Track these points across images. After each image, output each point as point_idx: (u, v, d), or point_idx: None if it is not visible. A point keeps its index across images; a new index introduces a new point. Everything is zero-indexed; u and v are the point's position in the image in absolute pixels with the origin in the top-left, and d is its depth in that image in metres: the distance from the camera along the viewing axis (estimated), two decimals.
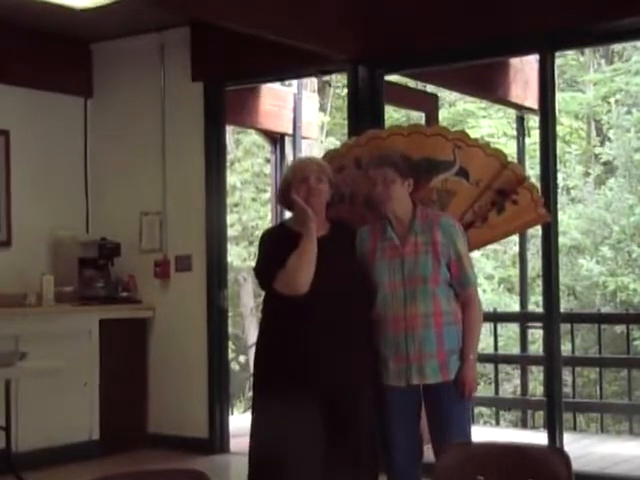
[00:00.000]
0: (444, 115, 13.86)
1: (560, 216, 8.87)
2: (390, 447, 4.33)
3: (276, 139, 9.41)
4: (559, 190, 8.07)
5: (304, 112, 9.34)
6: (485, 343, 9.61)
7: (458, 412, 4.33)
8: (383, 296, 4.29)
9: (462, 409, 4.36)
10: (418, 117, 10.16)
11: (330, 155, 4.87)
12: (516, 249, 11.21)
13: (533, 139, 10.61)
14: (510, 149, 11.84)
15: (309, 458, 4.12)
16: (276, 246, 4.25)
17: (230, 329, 8.57)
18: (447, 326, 4.28)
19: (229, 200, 10.13)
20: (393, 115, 13.62)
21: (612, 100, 13.89)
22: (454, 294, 4.34)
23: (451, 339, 4.28)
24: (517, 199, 4.64)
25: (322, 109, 13.96)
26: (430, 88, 9.53)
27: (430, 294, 4.26)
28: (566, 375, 8.52)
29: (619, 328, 11.07)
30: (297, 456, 4.11)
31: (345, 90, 8.53)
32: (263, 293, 4.43)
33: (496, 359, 9.43)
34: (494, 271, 14.36)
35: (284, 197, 4.38)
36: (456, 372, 4.28)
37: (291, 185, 4.30)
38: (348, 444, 4.19)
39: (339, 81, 14.36)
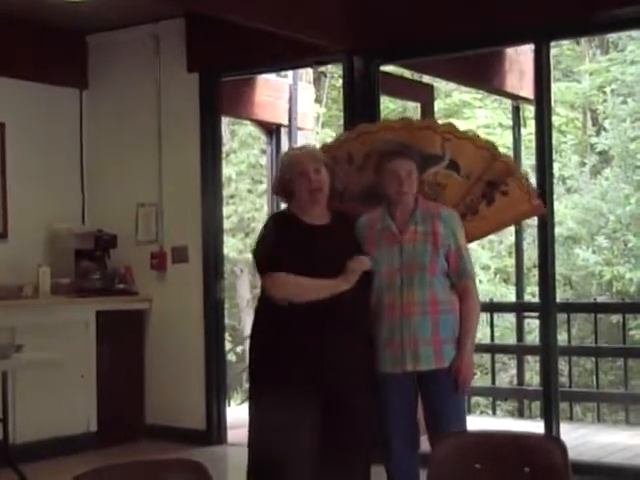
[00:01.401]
0: (440, 106, 13.85)
1: (556, 206, 8.85)
2: (388, 436, 4.34)
3: (272, 130, 9.40)
4: (555, 180, 8.06)
5: (300, 103, 9.33)
6: (481, 333, 9.63)
7: (454, 401, 4.34)
8: (379, 283, 4.30)
9: (457, 397, 4.36)
10: (414, 108, 10.16)
11: (324, 148, 4.90)
12: (512, 239, 11.22)
13: (529, 129, 10.61)
14: (506, 139, 11.85)
15: (305, 452, 4.12)
16: (278, 238, 4.24)
17: (227, 320, 8.58)
18: (443, 314, 4.29)
19: (225, 192, 10.13)
20: (389, 106, 13.62)
21: (608, 90, 13.88)
22: (450, 285, 4.35)
23: (447, 328, 4.29)
24: (506, 190, 4.66)
25: (318, 100, 13.95)
26: (426, 79, 9.52)
27: (427, 283, 4.27)
28: (562, 365, 8.54)
29: (615, 317, 11.08)
30: (293, 450, 4.11)
31: (341, 81, 8.52)
32: (259, 282, 4.43)
33: (492, 349, 9.45)
34: (490, 261, 14.38)
35: (285, 190, 4.38)
36: (451, 360, 4.29)
37: (292, 181, 4.30)
38: (345, 438, 4.19)
39: (335, 72, 14.35)
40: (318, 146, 4.97)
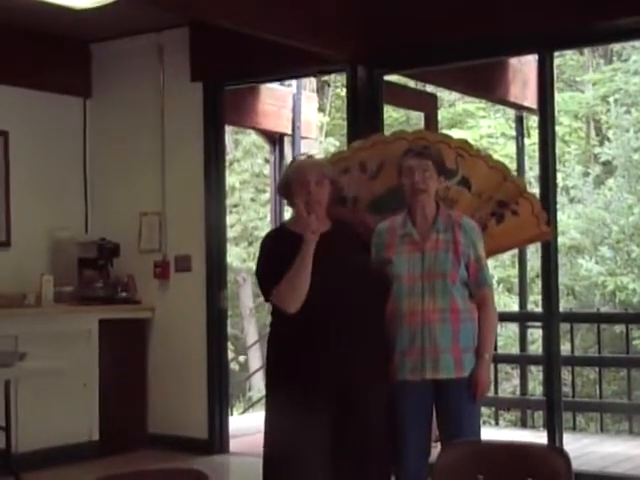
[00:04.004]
0: (443, 115, 13.86)
1: (559, 216, 8.86)
2: (401, 444, 4.31)
3: (275, 139, 9.42)
4: (558, 190, 8.05)
5: (303, 112, 9.34)
6: None
7: (470, 410, 4.33)
8: (399, 289, 4.29)
9: (474, 407, 4.37)
10: (417, 117, 10.17)
11: (336, 157, 4.90)
12: (515, 249, 11.21)
13: (533, 139, 10.61)
14: (509, 149, 11.85)
15: (319, 457, 4.12)
16: (276, 253, 4.26)
17: (229, 329, 8.58)
18: (463, 323, 4.28)
19: (228, 201, 10.14)
20: (392, 115, 13.63)
21: (611, 100, 13.88)
22: (468, 294, 4.34)
23: (466, 336, 4.28)
24: (517, 209, 4.66)
25: (321, 109, 13.97)
26: (429, 88, 9.53)
27: (448, 290, 4.27)
28: (565, 375, 8.52)
29: (618, 328, 11.07)
30: (307, 455, 4.11)
31: (344, 90, 8.53)
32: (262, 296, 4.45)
33: (495, 359, 9.39)
34: (493, 271, 14.34)
35: (284, 195, 4.41)
36: (471, 370, 4.28)
37: (291, 186, 4.31)
38: (358, 443, 4.18)
39: (338, 81, 14.36)
40: (326, 155, 4.96)
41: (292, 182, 4.31)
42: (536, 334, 10.55)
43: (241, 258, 15.05)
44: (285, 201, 4.58)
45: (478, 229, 4.42)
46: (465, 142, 4.83)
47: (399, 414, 4.29)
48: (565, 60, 14.65)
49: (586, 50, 14.40)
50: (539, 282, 7.66)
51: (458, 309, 4.28)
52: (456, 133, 12.44)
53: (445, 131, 11.50)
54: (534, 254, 10.67)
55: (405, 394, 4.28)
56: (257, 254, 4.46)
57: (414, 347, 4.25)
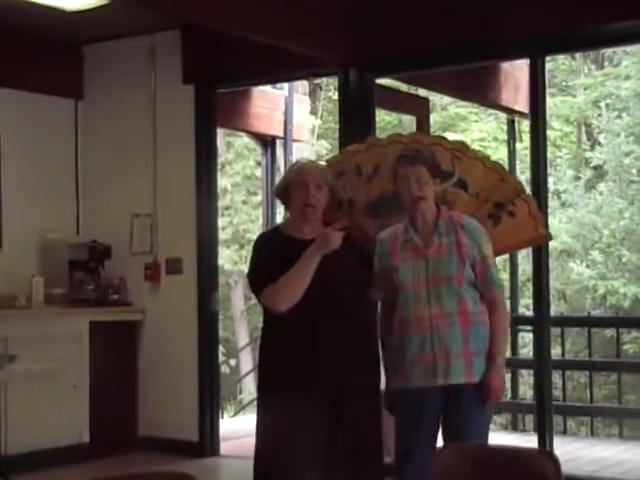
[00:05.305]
0: (435, 119, 13.87)
1: (550, 220, 8.87)
2: (408, 449, 4.24)
3: (267, 142, 9.42)
4: (549, 194, 8.07)
5: (295, 115, 9.35)
6: None
7: (479, 416, 4.24)
8: (405, 296, 4.23)
9: (483, 414, 4.28)
10: (410, 120, 10.18)
11: (331, 161, 4.91)
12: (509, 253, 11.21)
13: (524, 143, 10.62)
14: (501, 153, 11.85)
15: (312, 459, 4.12)
16: (268, 254, 4.27)
17: (220, 332, 8.57)
18: (473, 326, 4.21)
19: (220, 203, 10.13)
20: (385, 118, 13.64)
21: (602, 104, 13.92)
22: (479, 296, 4.29)
23: (477, 339, 4.21)
24: (514, 210, 4.65)
25: (313, 112, 13.97)
26: (422, 92, 9.55)
27: (455, 293, 4.20)
28: (556, 379, 8.53)
29: (609, 332, 11.09)
30: (300, 457, 4.11)
31: (336, 93, 8.54)
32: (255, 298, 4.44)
33: None
34: None
35: (282, 196, 4.42)
36: (481, 375, 4.21)
37: (289, 187, 4.32)
38: (352, 446, 4.18)
39: (330, 84, 14.38)
40: (316, 157, 4.98)
41: (291, 183, 4.32)
42: (527, 338, 10.56)
43: (232, 261, 15.04)
44: (280, 202, 4.58)
45: (482, 228, 4.36)
46: (462, 143, 4.83)
47: (406, 418, 4.25)
48: (557, 64, 14.69)
49: (578, 55, 14.44)
50: (530, 286, 7.67)
51: (468, 311, 4.21)
52: (448, 137, 12.44)
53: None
54: (525, 258, 10.70)
55: (412, 399, 4.22)
56: (249, 255, 4.46)
57: (424, 354, 4.18)
